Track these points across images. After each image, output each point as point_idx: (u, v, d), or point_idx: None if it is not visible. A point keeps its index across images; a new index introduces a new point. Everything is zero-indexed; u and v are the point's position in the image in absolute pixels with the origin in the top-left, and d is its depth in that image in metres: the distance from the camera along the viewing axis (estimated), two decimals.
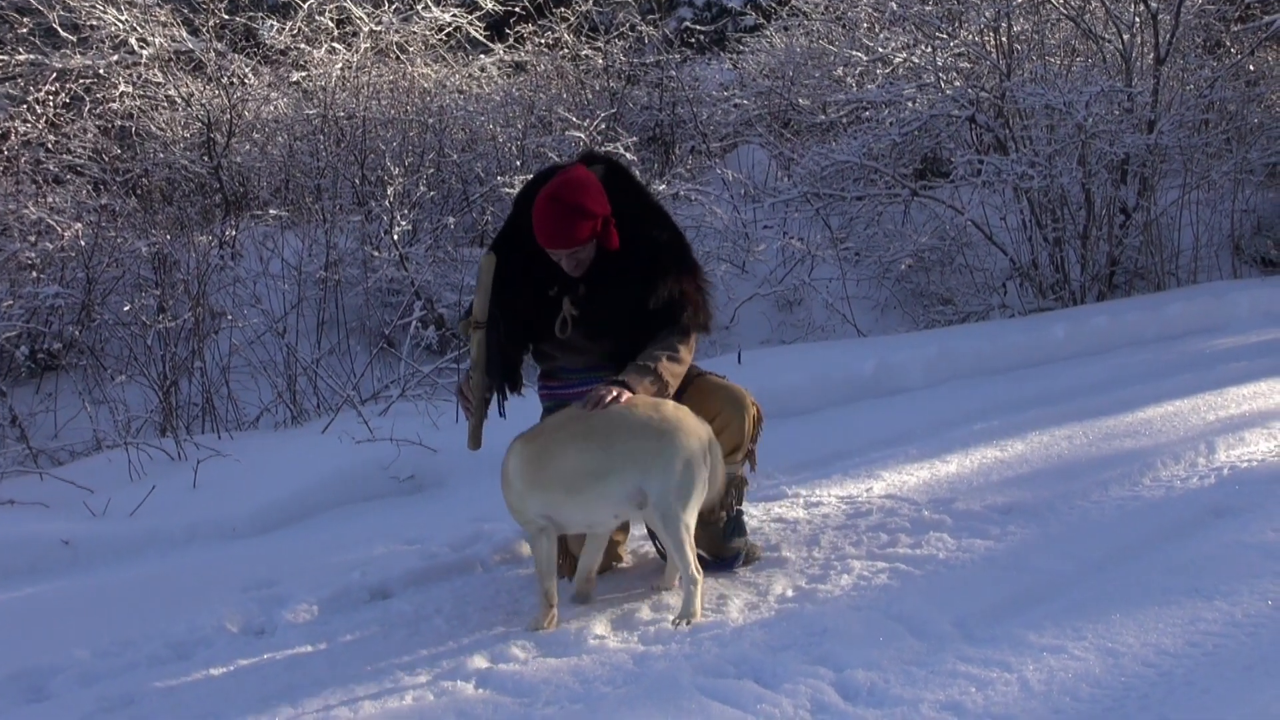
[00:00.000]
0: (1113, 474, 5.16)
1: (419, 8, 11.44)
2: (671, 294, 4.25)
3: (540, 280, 4.28)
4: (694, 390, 4.35)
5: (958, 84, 10.58)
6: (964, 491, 5.06)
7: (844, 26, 12.59)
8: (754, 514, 4.74)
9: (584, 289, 4.25)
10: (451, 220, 9.38)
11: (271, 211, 9.48)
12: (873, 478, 5.41)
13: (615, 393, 3.95)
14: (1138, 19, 10.90)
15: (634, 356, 4.20)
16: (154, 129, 10.53)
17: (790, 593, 3.98)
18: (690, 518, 3.86)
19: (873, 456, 5.83)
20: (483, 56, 12.48)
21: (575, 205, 4.09)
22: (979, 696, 3.09)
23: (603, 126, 10.05)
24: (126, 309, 7.73)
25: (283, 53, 11.46)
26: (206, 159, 10.32)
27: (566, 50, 12.25)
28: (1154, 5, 10.50)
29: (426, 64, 11.50)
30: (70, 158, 9.63)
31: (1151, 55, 10.90)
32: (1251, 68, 12.44)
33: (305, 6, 11.04)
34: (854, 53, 11.51)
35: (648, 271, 4.23)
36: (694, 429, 3.93)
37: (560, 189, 4.11)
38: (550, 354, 4.42)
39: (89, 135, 9.93)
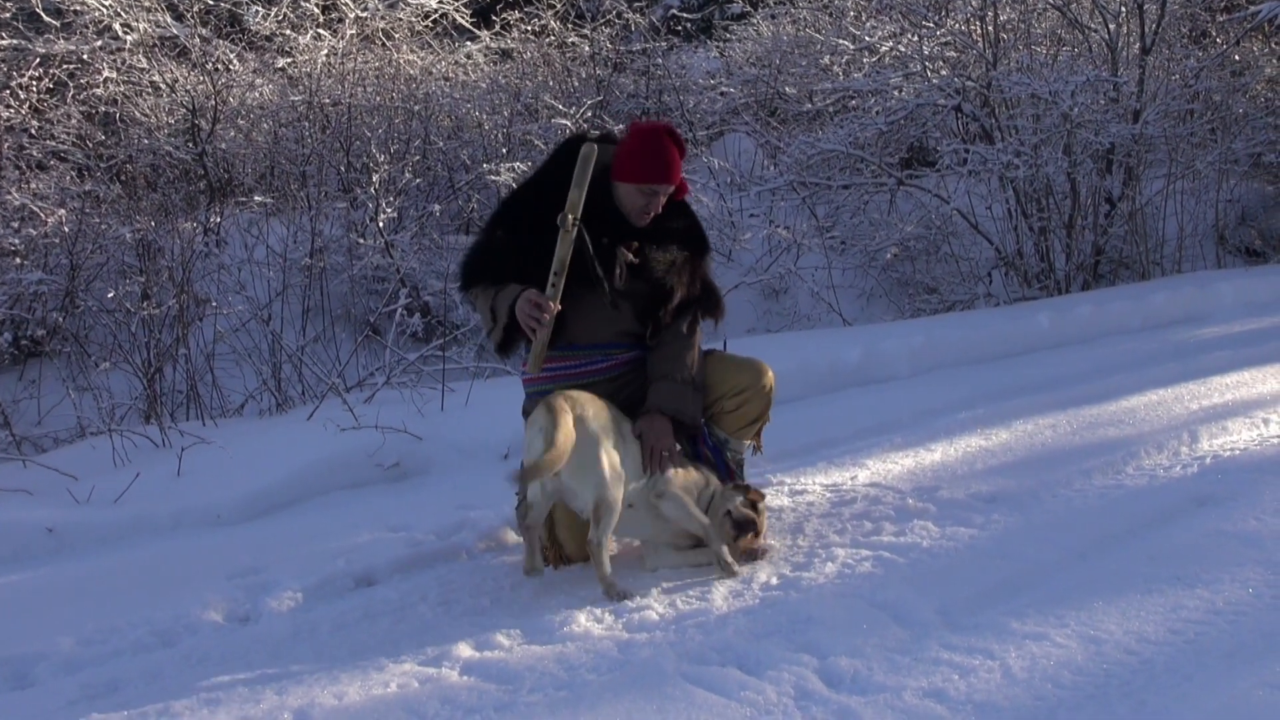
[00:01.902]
0: (1096, 463, 5.17)
1: None
2: (706, 280, 4.43)
3: (593, 231, 4.19)
4: (713, 363, 4.46)
5: (944, 73, 10.59)
6: (948, 480, 5.07)
7: (831, 15, 12.61)
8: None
9: (636, 244, 4.24)
10: (437, 208, 9.36)
11: (256, 198, 9.44)
12: (857, 466, 5.42)
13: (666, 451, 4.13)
14: (1123, 8, 10.92)
15: (651, 332, 4.31)
16: (138, 115, 10.48)
17: (774, 580, 3.98)
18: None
19: (858, 445, 5.84)
20: (469, 43, 12.48)
21: (682, 144, 4.24)
22: (962, 684, 3.10)
23: (589, 114, 10.05)
24: (110, 295, 7.69)
25: (268, 39, 11.44)
26: (191, 145, 10.28)
27: (553, 37, 12.24)
28: None
29: (412, 51, 11.48)
30: (54, 143, 9.58)
31: (1137, 45, 10.93)
32: (1236, 58, 12.50)
33: None
34: (841, 41, 11.53)
35: (686, 245, 4.34)
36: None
37: (670, 127, 4.24)
38: (564, 321, 4.21)
39: (73, 121, 9.88)
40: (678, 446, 4.19)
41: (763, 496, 4.32)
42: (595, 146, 4.12)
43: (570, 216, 4.03)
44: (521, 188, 4.50)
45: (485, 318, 4.32)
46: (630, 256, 4.22)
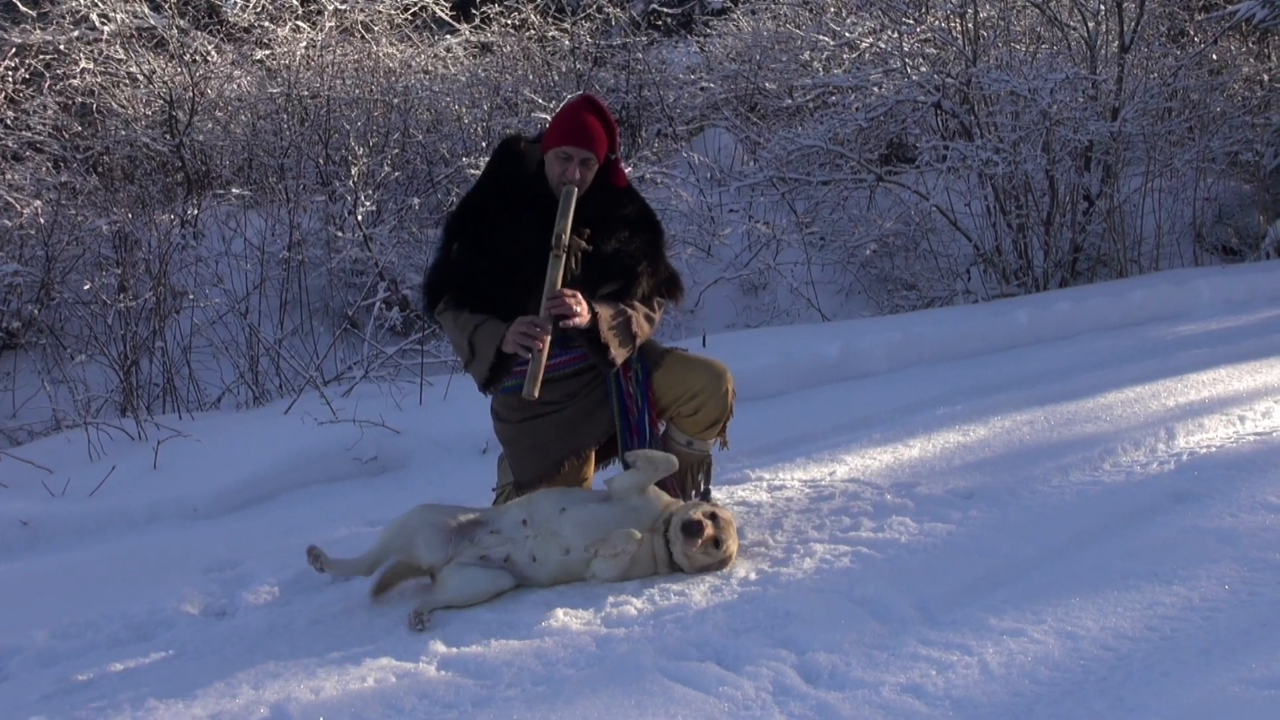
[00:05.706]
0: (1073, 459, 5.18)
1: None
2: (668, 268, 4.42)
3: (540, 228, 4.16)
4: (671, 364, 4.38)
5: (924, 69, 10.60)
6: (926, 476, 5.08)
7: (811, 11, 12.62)
8: (718, 497, 4.74)
9: (589, 231, 4.21)
10: (416, 201, 9.33)
11: (234, 191, 9.41)
12: (836, 461, 5.42)
13: (579, 306, 4.03)
14: (1103, 6, 10.97)
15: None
16: (115, 106, 10.42)
17: (753, 576, 3.98)
18: None
19: (836, 440, 5.84)
20: (448, 36, 12.44)
21: (605, 114, 4.22)
22: (939, 679, 3.10)
23: None
24: (87, 288, 7.66)
25: (246, 30, 11.38)
26: (168, 137, 10.23)
27: (533, 31, 12.22)
28: None
29: (392, 43, 11.44)
30: (30, 134, 9.52)
31: (1116, 43, 10.97)
32: (1214, 57, 12.55)
33: None
34: (821, 37, 11.52)
35: (640, 231, 4.32)
36: None
37: (592, 97, 4.25)
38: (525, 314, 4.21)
39: (49, 112, 9.82)
40: (582, 312, 4.08)
41: (726, 513, 4.10)
42: (574, 187, 4.14)
43: (562, 239, 4.05)
44: (468, 196, 4.45)
45: (461, 349, 4.27)
46: (584, 244, 4.20)
